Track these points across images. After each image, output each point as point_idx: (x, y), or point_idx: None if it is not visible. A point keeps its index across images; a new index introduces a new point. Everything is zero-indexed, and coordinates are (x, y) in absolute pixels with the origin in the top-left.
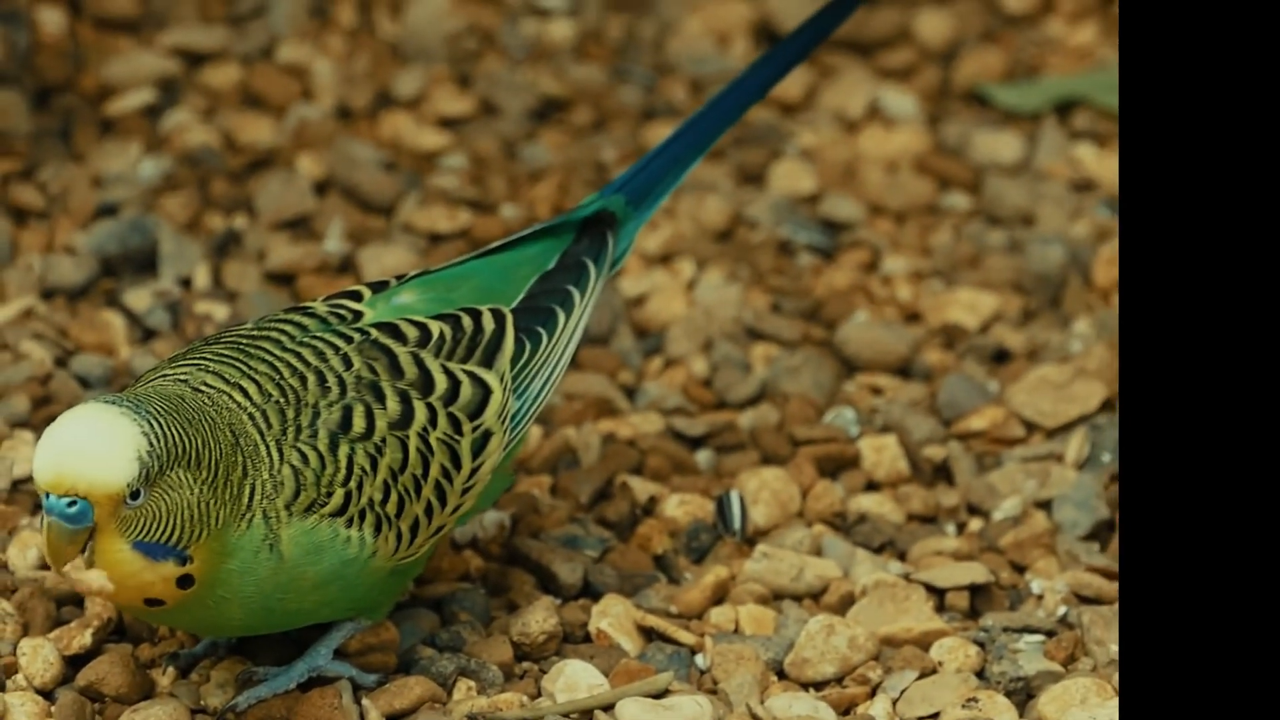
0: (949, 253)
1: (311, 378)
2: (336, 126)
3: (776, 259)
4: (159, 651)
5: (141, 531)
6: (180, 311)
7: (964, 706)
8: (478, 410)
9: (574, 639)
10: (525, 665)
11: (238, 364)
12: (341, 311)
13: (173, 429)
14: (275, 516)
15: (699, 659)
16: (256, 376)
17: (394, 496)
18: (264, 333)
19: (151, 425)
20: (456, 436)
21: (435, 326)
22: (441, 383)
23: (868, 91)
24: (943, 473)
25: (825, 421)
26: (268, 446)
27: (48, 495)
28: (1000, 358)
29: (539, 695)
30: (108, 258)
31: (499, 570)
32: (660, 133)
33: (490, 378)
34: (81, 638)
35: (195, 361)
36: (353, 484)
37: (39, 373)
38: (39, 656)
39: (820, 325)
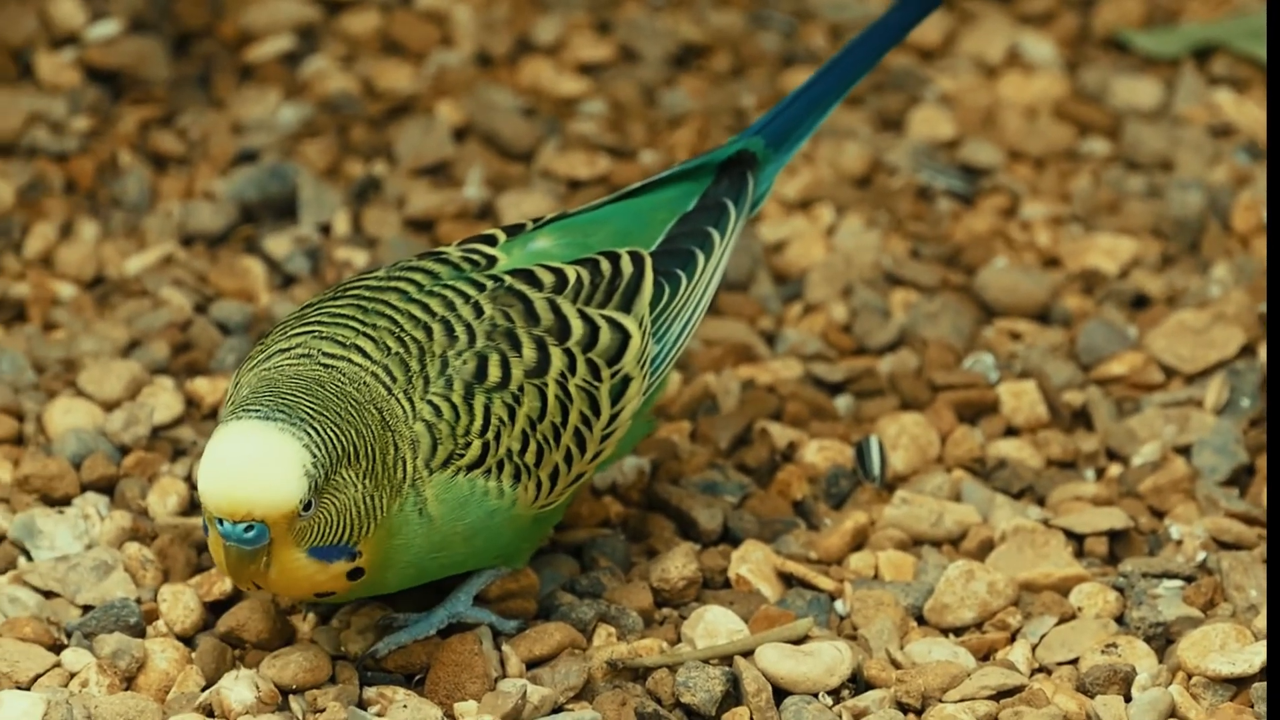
0: (1088, 198)
1: (437, 328)
2: (476, 73)
3: (915, 204)
4: None
5: (315, 538)
6: (320, 257)
7: (1103, 652)
8: (616, 355)
9: (713, 585)
10: (665, 611)
11: (353, 323)
12: (475, 257)
13: (329, 431)
14: (419, 478)
15: (838, 605)
16: (373, 333)
17: (533, 445)
18: (391, 283)
19: (311, 436)
20: (595, 383)
21: (572, 271)
22: (579, 328)
23: (1007, 37)
24: (1082, 418)
25: (964, 367)
26: (398, 403)
27: (220, 521)
28: (1139, 303)
29: (678, 641)
30: (247, 204)
31: (639, 516)
32: (799, 79)
33: (629, 322)
34: (222, 584)
35: (310, 328)
36: (490, 434)
37: (178, 319)
38: (179, 603)
39: (959, 270)
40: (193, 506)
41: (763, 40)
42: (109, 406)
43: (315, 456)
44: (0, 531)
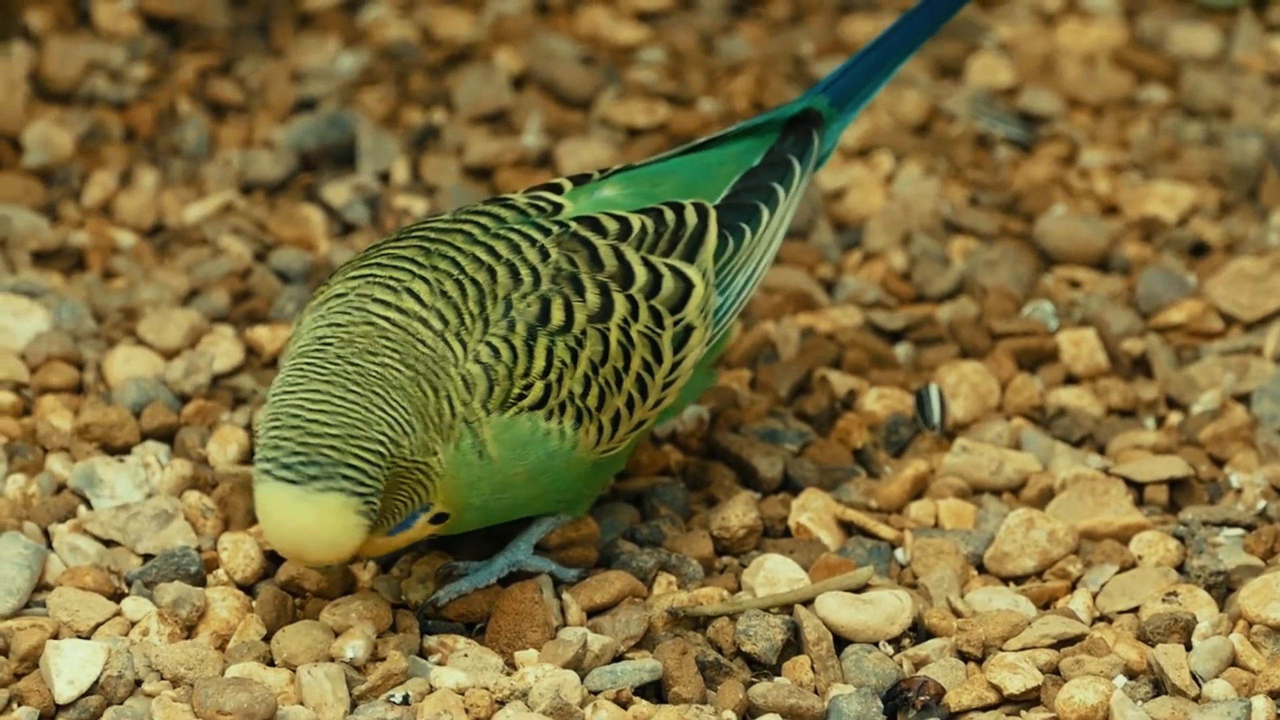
0: (1147, 146)
1: (501, 270)
2: (534, 20)
3: (974, 152)
4: None
5: (389, 523)
6: (379, 206)
7: (1164, 600)
8: (679, 304)
9: (774, 533)
10: (725, 560)
11: (412, 265)
12: (541, 204)
13: (373, 459)
14: (476, 420)
15: (899, 553)
16: (429, 275)
17: (594, 389)
18: (457, 225)
19: (358, 484)
20: (658, 330)
21: (636, 220)
22: (642, 275)
23: None
24: (1141, 366)
25: (1024, 315)
26: (448, 345)
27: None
28: (1198, 250)
29: (739, 589)
30: (306, 152)
31: (698, 464)
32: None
33: (692, 272)
34: None
35: (368, 270)
36: (552, 376)
37: (238, 267)
38: (240, 551)
39: (1018, 218)
40: (252, 455)
41: None
42: (169, 355)
43: (362, 494)
44: (60, 480)
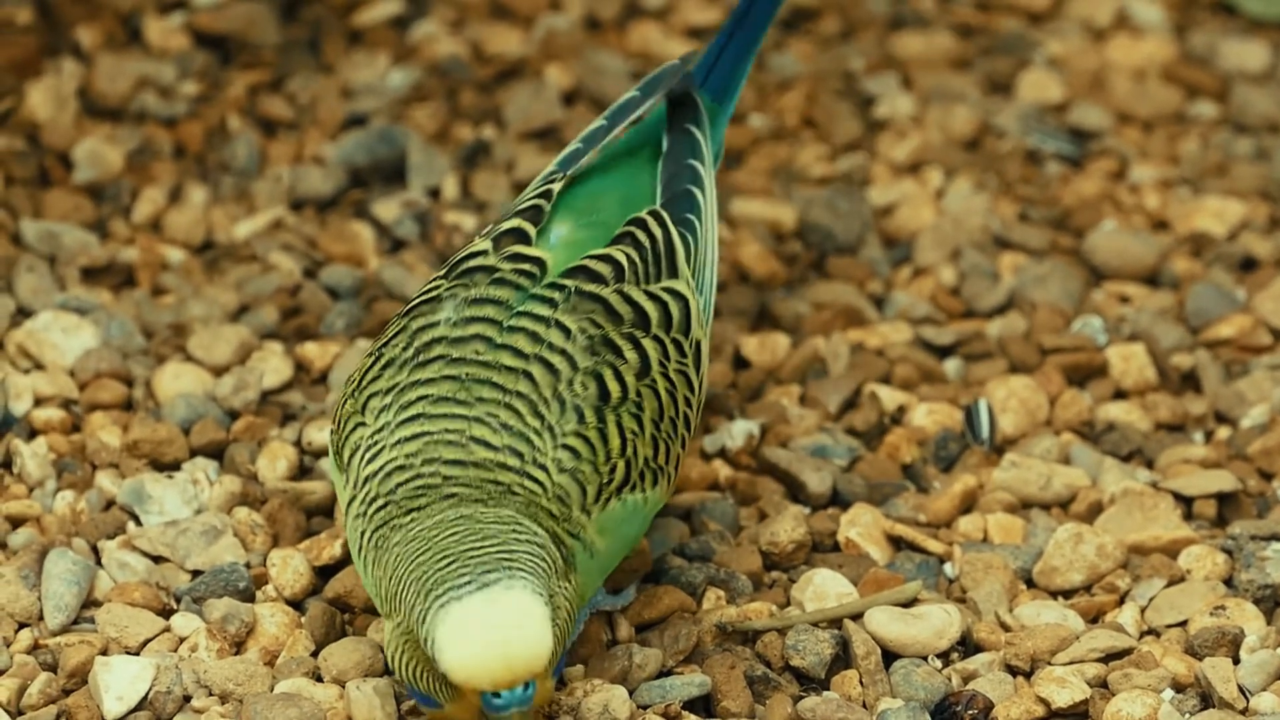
0: (1196, 161)
1: (537, 369)
2: (585, 36)
3: (1024, 168)
4: None
5: (557, 658)
6: (429, 222)
7: (1212, 614)
8: (686, 325)
9: (823, 548)
10: (774, 574)
11: (459, 410)
12: (525, 267)
13: (534, 562)
14: (580, 529)
15: (947, 568)
16: (483, 414)
17: (661, 446)
18: (470, 329)
19: (540, 582)
20: (684, 360)
21: (620, 255)
22: (654, 312)
23: (1115, 0)
24: (1190, 381)
25: (1073, 330)
26: (532, 478)
27: (498, 694)
28: (1248, 265)
29: (788, 604)
30: (356, 168)
31: (748, 480)
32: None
33: (681, 286)
34: (331, 548)
35: (420, 427)
36: (629, 451)
37: (288, 283)
38: (289, 567)
39: (1068, 234)
40: (302, 471)
41: (871, 3)
42: (218, 371)
43: (550, 601)
44: (109, 496)
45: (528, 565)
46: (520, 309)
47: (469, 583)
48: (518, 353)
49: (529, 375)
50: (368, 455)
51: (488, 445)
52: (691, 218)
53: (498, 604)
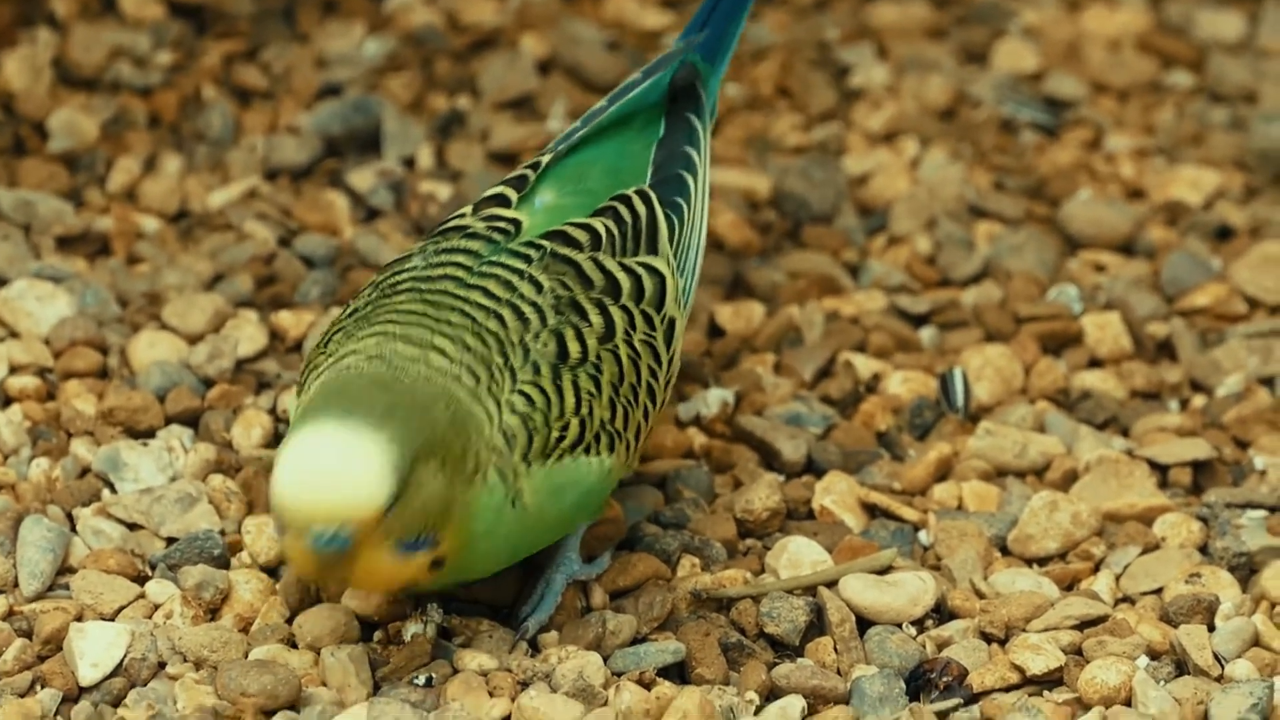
0: (1172, 130)
1: (507, 313)
2: (560, 6)
3: (999, 137)
4: None
5: (398, 534)
6: (404, 191)
7: (1187, 582)
8: (660, 300)
9: (797, 515)
10: (749, 542)
11: (426, 321)
12: (500, 225)
13: (409, 425)
14: (512, 472)
15: (922, 535)
16: (449, 331)
17: (619, 411)
18: (440, 270)
19: (393, 430)
20: (652, 333)
21: (600, 225)
22: (626, 282)
23: None
24: (1166, 349)
25: (1048, 299)
26: (481, 404)
27: (304, 532)
28: (1223, 234)
29: (762, 572)
30: (331, 138)
31: (722, 447)
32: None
33: (659, 264)
34: None
35: (381, 328)
36: (584, 410)
37: (262, 252)
38: (263, 535)
39: (1043, 203)
40: (277, 439)
41: None
42: (193, 339)
43: (399, 451)
44: (84, 464)
45: (393, 415)
46: (492, 258)
47: (319, 414)
48: (489, 294)
49: (499, 316)
50: (315, 365)
51: (446, 355)
52: (680, 201)
53: (331, 438)
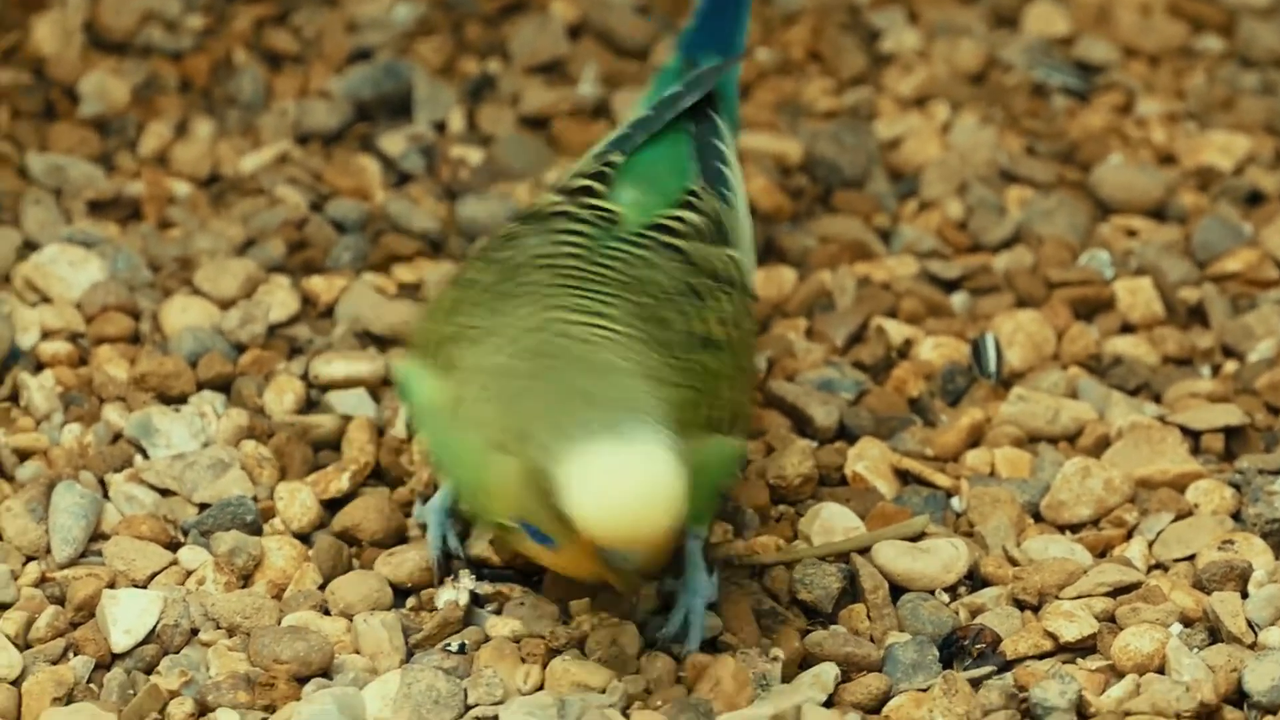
0: (1203, 95)
1: (647, 298)
2: None
3: (1031, 101)
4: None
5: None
6: (435, 155)
7: (1220, 548)
8: (745, 288)
9: (830, 482)
10: (781, 508)
11: (592, 301)
12: (604, 215)
13: (669, 419)
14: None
15: (955, 502)
16: (618, 315)
17: (741, 396)
18: (561, 250)
19: (669, 428)
20: (750, 318)
21: (690, 218)
22: (728, 271)
23: None
24: (1197, 315)
25: (1080, 264)
26: (665, 386)
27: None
28: (1254, 199)
29: (795, 538)
30: (362, 102)
31: (755, 413)
32: None
33: (738, 254)
34: (339, 481)
35: (552, 303)
36: (725, 392)
37: (294, 217)
38: (296, 500)
39: (1075, 167)
40: (309, 405)
41: None
42: (225, 305)
43: (680, 449)
44: (117, 429)
45: (656, 413)
46: (609, 244)
47: (614, 435)
48: (621, 273)
49: (647, 298)
50: (485, 337)
51: (631, 338)
52: (729, 193)
53: (632, 456)
